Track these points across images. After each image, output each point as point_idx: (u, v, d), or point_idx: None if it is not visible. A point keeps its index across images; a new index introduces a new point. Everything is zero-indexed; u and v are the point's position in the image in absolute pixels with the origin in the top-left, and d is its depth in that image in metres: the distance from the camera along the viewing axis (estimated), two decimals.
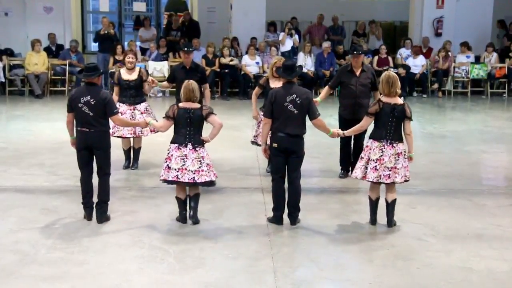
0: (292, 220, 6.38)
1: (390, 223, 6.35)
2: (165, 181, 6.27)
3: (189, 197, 6.37)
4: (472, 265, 5.43)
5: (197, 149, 6.21)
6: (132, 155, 8.45)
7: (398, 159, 6.21)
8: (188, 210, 6.37)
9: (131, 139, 8.37)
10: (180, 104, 6.27)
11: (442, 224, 6.47)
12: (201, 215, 6.60)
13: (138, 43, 16.77)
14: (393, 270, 5.33)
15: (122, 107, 8.06)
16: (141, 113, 8.15)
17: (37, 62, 15.07)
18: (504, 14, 17.85)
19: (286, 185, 6.35)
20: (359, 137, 7.69)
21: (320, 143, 9.26)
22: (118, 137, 8.07)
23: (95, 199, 6.39)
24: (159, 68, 15.39)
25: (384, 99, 6.22)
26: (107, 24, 15.89)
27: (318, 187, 7.76)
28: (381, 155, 6.20)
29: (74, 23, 17.42)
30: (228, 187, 7.51)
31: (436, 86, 16.08)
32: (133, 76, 8.20)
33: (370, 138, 6.34)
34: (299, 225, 6.38)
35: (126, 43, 17.20)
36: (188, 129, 6.20)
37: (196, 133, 6.24)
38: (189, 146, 6.19)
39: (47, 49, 15.76)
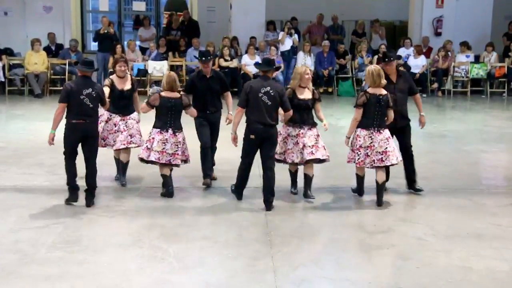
0: (268, 206, 6.77)
1: (379, 202, 6.94)
2: (141, 160, 7.13)
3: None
4: (472, 264, 5.44)
5: (176, 134, 7.04)
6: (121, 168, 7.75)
7: (388, 143, 6.87)
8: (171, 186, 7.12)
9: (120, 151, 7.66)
10: (163, 93, 7.06)
11: (441, 224, 6.48)
12: (201, 214, 6.61)
13: (137, 43, 16.77)
14: (393, 269, 5.34)
15: (114, 118, 7.53)
16: (137, 122, 7.64)
17: (37, 62, 15.07)
18: (504, 14, 17.84)
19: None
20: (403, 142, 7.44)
21: None
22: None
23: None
24: (159, 68, 15.38)
25: (371, 90, 6.87)
26: (106, 23, 15.89)
27: (318, 187, 7.76)
28: (371, 142, 6.86)
29: (73, 23, 17.42)
30: (228, 187, 7.50)
31: (435, 85, 16.08)
32: (127, 85, 7.60)
33: (358, 127, 6.94)
34: (298, 224, 6.39)
35: (125, 43, 17.20)
36: (170, 116, 7.03)
37: (176, 119, 7.09)
38: (170, 131, 7.01)
39: (47, 49, 15.75)
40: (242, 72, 15.37)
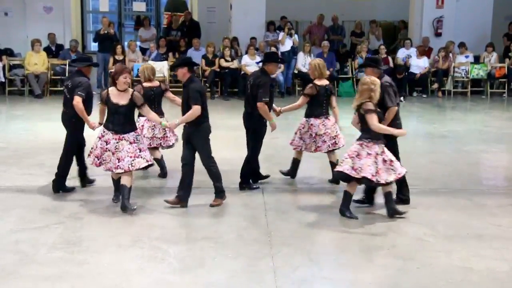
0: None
1: (335, 180, 7.56)
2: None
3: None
4: (472, 265, 5.43)
5: (161, 118, 7.39)
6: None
7: (336, 127, 7.67)
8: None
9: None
10: (144, 84, 7.88)
11: (442, 224, 6.47)
12: (201, 215, 6.61)
13: (138, 43, 16.77)
14: (393, 270, 5.33)
15: (106, 135, 6.74)
16: (130, 143, 6.68)
17: (37, 62, 15.08)
18: (504, 14, 17.85)
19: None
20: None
21: None
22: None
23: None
24: (159, 68, 15.35)
25: (318, 82, 7.62)
26: (107, 24, 15.90)
27: (318, 187, 7.76)
28: (326, 129, 7.61)
29: (74, 23, 17.45)
30: (228, 187, 7.50)
31: (436, 86, 16.08)
32: (124, 100, 6.71)
33: (308, 117, 7.71)
34: (298, 224, 6.38)
35: (126, 43, 17.21)
36: (153, 103, 7.70)
37: (159, 106, 7.94)
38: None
39: (47, 49, 15.77)
40: (242, 72, 15.37)
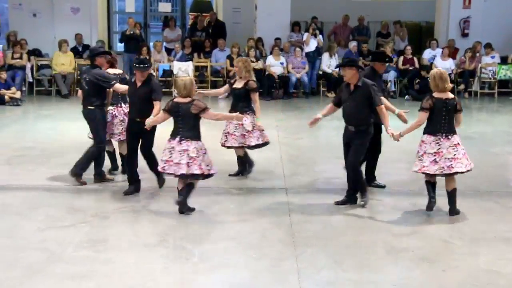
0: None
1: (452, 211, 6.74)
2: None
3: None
4: (499, 268, 5.37)
5: (182, 142, 6.46)
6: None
7: (457, 150, 6.71)
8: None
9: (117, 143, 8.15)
10: (175, 99, 6.67)
11: (468, 227, 6.41)
12: (225, 215, 6.63)
13: (163, 44, 16.88)
14: (418, 272, 5.29)
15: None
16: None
17: (64, 62, 15.28)
18: None
19: None
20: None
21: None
22: None
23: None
24: (184, 69, 15.47)
25: (436, 95, 6.58)
26: (133, 24, 16.03)
27: (342, 188, 7.72)
28: (439, 148, 6.61)
29: (100, 24, 17.60)
30: (252, 187, 7.52)
31: (462, 87, 15.91)
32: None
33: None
34: (322, 226, 6.36)
35: (151, 44, 17.33)
36: (178, 122, 6.55)
37: (186, 126, 6.51)
38: (177, 138, 6.51)
39: (74, 49, 15.95)
40: (267, 73, 15.38)
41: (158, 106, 7.02)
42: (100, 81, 7.38)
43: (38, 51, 16.05)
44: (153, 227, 6.27)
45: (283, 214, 6.70)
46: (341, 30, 17.26)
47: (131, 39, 15.82)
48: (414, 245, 5.88)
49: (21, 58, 15.07)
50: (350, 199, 7.02)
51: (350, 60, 7.31)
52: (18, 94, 14.16)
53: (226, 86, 8.17)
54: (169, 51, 16.53)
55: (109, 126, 7.83)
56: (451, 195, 6.72)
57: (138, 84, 7.08)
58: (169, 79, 15.38)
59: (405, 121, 7.07)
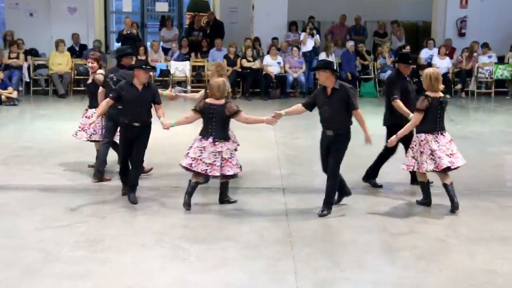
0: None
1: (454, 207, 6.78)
2: (182, 166, 6.73)
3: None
4: (496, 267, 5.38)
5: (216, 143, 6.60)
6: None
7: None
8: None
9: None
10: (207, 100, 6.75)
11: (465, 226, 6.42)
12: (223, 215, 6.63)
13: (160, 43, 16.88)
14: (415, 271, 5.30)
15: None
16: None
17: (61, 62, 15.26)
18: None
19: None
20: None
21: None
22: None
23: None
24: (181, 68, 15.47)
25: (431, 94, 6.78)
26: (129, 24, 16.03)
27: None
28: (438, 146, 6.69)
29: (97, 24, 17.59)
30: (249, 187, 7.52)
31: (459, 86, 15.94)
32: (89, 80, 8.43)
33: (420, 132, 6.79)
34: (319, 225, 6.37)
35: (148, 43, 17.33)
36: (211, 123, 6.63)
37: (219, 128, 6.66)
38: (210, 139, 6.61)
39: (71, 49, 15.95)
40: (264, 73, 15.38)
41: (162, 109, 7.07)
42: None
43: (35, 51, 16.03)
44: (150, 227, 6.27)
45: (280, 214, 6.71)
46: (338, 30, 17.28)
47: (128, 38, 15.81)
48: (411, 245, 5.88)
49: (18, 58, 15.05)
50: (342, 194, 7.01)
51: (325, 62, 7.08)
52: (15, 94, 14.16)
53: (202, 91, 7.89)
54: (166, 50, 16.53)
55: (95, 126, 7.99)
56: (451, 188, 6.77)
57: (140, 87, 6.96)
58: (166, 79, 15.37)
59: None
